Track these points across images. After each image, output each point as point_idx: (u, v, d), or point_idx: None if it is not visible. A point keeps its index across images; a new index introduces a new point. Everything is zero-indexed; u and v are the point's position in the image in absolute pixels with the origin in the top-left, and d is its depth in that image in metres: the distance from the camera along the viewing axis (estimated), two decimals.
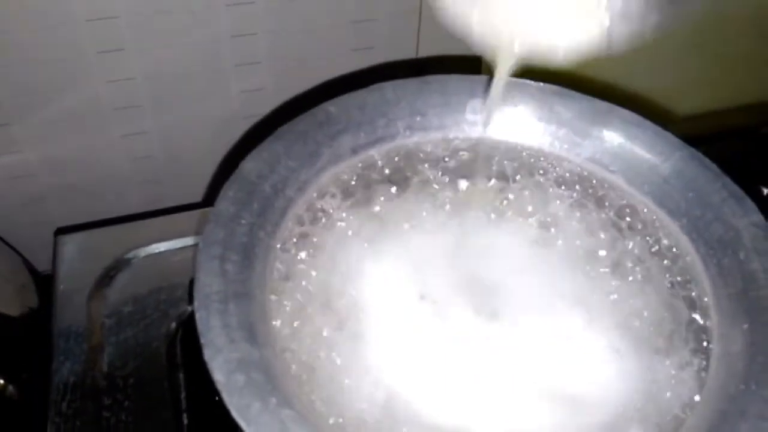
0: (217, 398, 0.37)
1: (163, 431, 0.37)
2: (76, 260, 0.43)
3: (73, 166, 0.51)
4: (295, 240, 0.30)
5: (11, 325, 0.44)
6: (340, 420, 0.25)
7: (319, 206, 0.31)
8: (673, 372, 0.27)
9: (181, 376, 0.39)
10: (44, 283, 0.49)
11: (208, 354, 0.23)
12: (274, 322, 0.27)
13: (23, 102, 0.47)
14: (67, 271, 0.43)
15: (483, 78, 0.34)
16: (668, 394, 0.26)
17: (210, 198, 0.56)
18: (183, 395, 0.38)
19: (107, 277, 0.43)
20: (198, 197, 0.56)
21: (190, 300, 0.42)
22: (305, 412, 0.23)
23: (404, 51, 0.53)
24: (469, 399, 0.27)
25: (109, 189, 0.54)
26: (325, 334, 0.28)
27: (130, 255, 0.44)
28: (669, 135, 0.32)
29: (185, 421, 0.37)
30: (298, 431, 0.22)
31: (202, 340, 0.24)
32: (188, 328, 0.41)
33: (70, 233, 0.45)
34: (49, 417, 0.36)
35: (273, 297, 0.28)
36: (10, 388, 0.42)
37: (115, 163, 0.52)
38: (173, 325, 0.41)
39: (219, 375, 0.23)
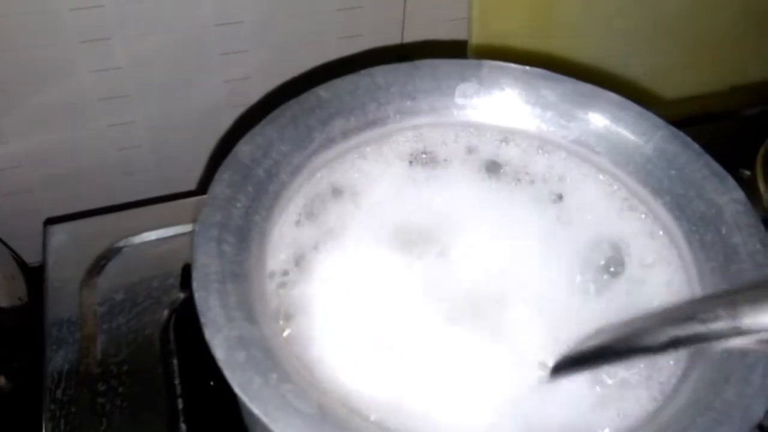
0: (211, 383, 0.38)
1: (159, 416, 0.37)
2: (67, 249, 0.43)
3: (59, 156, 0.51)
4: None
5: (1, 316, 0.44)
6: (345, 395, 0.26)
7: None
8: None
9: (175, 361, 0.39)
10: (32, 274, 0.49)
11: (208, 333, 0.24)
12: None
13: (7, 93, 0.46)
14: (57, 260, 0.43)
15: (472, 62, 0.34)
16: (656, 361, 0.27)
17: (201, 187, 0.56)
18: (177, 381, 0.38)
19: (98, 265, 0.43)
20: (185, 187, 0.56)
21: (182, 287, 0.42)
22: (306, 387, 0.24)
23: (390, 38, 0.54)
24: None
25: (96, 179, 0.54)
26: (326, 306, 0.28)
27: (121, 243, 0.44)
28: (652, 115, 0.33)
29: (180, 406, 0.37)
30: (300, 405, 0.23)
31: (203, 319, 0.24)
32: (181, 314, 0.41)
33: (59, 223, 0.45)
34: (44, 404, 0.36)
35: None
36: (2, 378, 0.42)
37: (102, 153, 0.52)
38: (166, 312, 0.41)
39: (220, 352, 0.23)
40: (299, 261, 0.30)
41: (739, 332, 0.24)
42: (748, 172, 0.46)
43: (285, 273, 0.30)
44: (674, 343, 0.25)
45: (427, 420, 0.26)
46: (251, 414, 0.23)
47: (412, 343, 0.28)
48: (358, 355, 0.27)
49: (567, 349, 0.28)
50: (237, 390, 0.23)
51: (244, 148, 0.30)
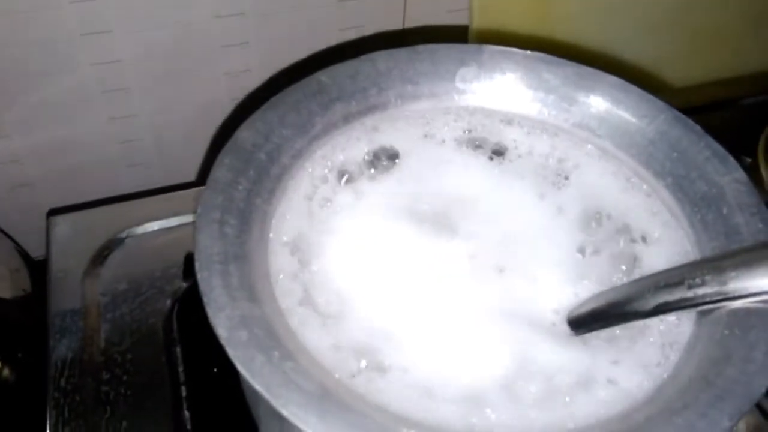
0: (215, 370, 0.38)
1: (162, 404, 0.37)
2: (70, 240, 0.43)
3: (61, 150, 0.51)
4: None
5: (5, 307, 0.44)
6: (345, 374, 0.26)
7: None
8: (662, 318, 0.28)
9: (178, 350, 0.39)
10: (36, 268, 0.49)
11: (211, 312, 0.24)
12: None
13: (8, 87, 0.46)
14: (60, 250, 0.43)
15: (472, 47, 0.35)
16: (657, 339, 0.27)
17: (201, 178, 0.56)
18: (180, 369, 0.38)
19: (101, 256, 0.43)
20: (186, 179, 0.56)
21: (185, 276, 0.42)
22: (308, 366, 0.24)
23: (391, 29, 0.54)
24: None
25: (98, 173, 0.54)
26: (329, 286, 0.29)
27: (124, 234, 0.44)
28: (653, 98, 0.33)
29: (184, 394, 0.37)
30: (302, 382, 0.23)
31: (205, 299, 0.24)
32: (184, 303, 0.41)
33: (63, 214, 0.45)
34: (49, 393, 0.36)
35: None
36: (6, 369, 0.42)
37: (103, 146, 0.52)
38: (168, 301, 0.41)
39: (222, 331, 0.23)
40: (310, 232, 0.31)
41: (726, 297, 0.24)
42: (749, 159, 0.46)
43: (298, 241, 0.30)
44: (663, 308, 0.25)
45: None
46: (254, 392, 0.23)
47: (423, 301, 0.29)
48: (370, 313, 0.28)
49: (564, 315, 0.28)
50: (239, 367, 0.23)
51: (244, 134, 0.30)
